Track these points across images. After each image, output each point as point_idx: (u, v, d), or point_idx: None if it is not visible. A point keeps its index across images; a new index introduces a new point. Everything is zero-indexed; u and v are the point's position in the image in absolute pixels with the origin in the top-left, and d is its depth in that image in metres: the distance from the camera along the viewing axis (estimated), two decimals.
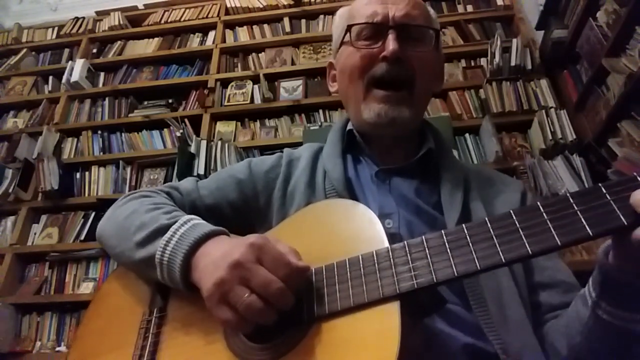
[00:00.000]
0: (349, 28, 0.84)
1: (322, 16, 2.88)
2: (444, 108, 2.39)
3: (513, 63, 2.32)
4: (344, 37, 0.86)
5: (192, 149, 2.33)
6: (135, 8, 3.22)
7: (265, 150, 2.39)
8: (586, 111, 2.02)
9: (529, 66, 2.33)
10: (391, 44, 0.77)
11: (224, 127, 2.60)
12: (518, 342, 0.63)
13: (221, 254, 0.57)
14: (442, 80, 0.96)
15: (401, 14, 0.80)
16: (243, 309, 0.52)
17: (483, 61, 2.52)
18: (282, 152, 0.93)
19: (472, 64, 2.57)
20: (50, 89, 2.98)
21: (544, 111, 2.11)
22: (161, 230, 0.66)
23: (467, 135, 2.29)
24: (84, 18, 3.23)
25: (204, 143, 2.35)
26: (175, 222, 0.66)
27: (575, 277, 0.76)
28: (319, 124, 2.49)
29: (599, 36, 1.81)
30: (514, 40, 2.36)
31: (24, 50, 3.17)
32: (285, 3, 2.92)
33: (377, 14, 0.81)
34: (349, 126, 0.90)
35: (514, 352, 0.62)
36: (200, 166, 2.28)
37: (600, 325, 0.56)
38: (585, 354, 0.61)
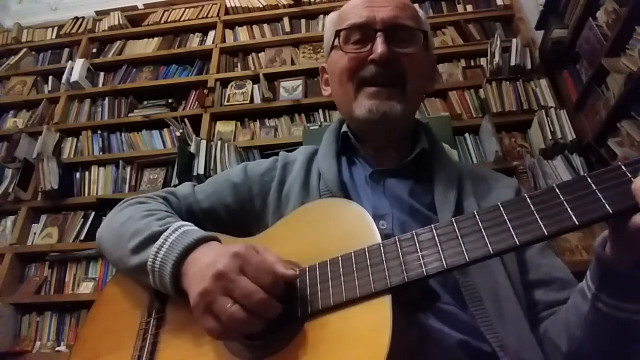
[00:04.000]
0: (337, 33, 0.85)
1: (322, 16, 2.88)
2: (444, 108, 2.39)
3: (513, 63, 2.32)
4: (333, 42, 0.86)
5: (192, 149, 2.33)
6: (135, 8, 3.23)
7: (265, 150, 2.40)
8: (586, 111, 2.02)
9: (529, 66, 2.33)
10: (380, 47, 0.78)
11: (224, 127, 2.60)
12: (515, 339, 0.64)
13: (208, 263, 0.57)
14: (434, 81, 0.96)
15: (389, 17, 0.81)
16: (226, 320, 0.53)
17: (483, 61, 2.52)
18: (278, 155, 0.93)
19: (472, 64, 2.58)
20: (50, 89, 2.98)
21: (544, 111, 2.11)
22: (153, 238, 0.67)
23: (467, 135, 2.29)
24: (84, 18, 3.24)
25: (204, 143, 2.35)
26: (167, 229, 0.67)
27: (576, 277, 0.76)
28: (319, 124, 2.50)
29: (599, 36, 1.81)
30: (514, 40, 2.36)
31: (24, 50, 3.17)
32: (285, 3, 2.93)
33: (364, 17, 0.82)
34: (344, 128, 0.90)
35: (512, 349, 0.62)
36: (200, 166, 2.28)
37: (601, 319, 0.56)
38: (587, 347, 0.61)
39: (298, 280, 0.58)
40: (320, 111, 2.55)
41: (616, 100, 1.71)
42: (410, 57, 0.81)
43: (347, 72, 0.83)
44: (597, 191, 0.46)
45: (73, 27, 3.21)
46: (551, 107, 2.14)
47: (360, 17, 0.82)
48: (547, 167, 2.00)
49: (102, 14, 3.22)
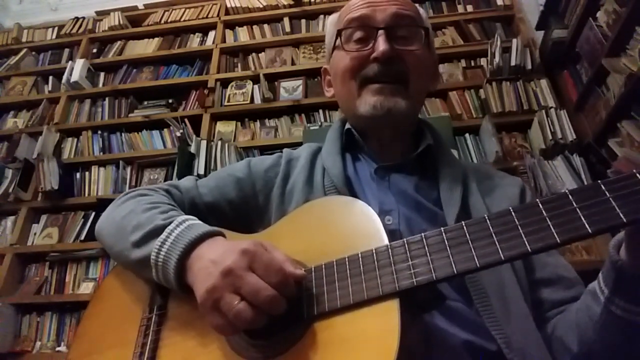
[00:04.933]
0: (339, 33, 0.85)
1: (322, 16, 2.88)
2: (444, 108, 2.39)
3: (513, 63, 2.32)
4: (335, 42, 0.86)
5: (192, 149, 2.33)
6: (135, 8, 3.22)
7: (265, 150, 2.39)
8: (586, 111, 2.02)
9: (529, 66, 2.33)
10: (381, 45, 0.78)
11: (224, 127, 2.60)
12: (521, 337, 0.63)
13: (214, 259, 0.57)
14: (436, 79, 0.96)
15: (390, 15, 0.81)
16: (232, 317, 0.52)
17: (483, 61, 2.52)
18: (281, 152, 0.93)
19: (472, 64, 2.57)
20: (50, 89, 2.98)
21: (544, 111, 2.11)
22: (156, 231, 0.66)
23: (467, 135, 2.29)
24: (84, 18, 3.23)
25: (204, 143, 2.35)
26: (171, 222, 0.66)
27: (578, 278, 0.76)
28: (319, 124, 2.49)
29: (599, 36, 1.81)
30: (514, 40, 2.36)
31: (24, 50, 3.17)
32: (285, 3, 2.92)
33: (365, 16, 0.82)
34: (347, 125, 0.90)
35: (517, 346, 0.62)
36: (200, 166, 2.28)
37: (614, 321, 0.56)
38: (598, 348, 0.61)
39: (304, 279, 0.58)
40: (320, 111, 2.55)
41: (616, 100, 1.71)
42: (412, 54, 0.81)
43: (350, 70, 0.82)
44: (611, 199, 0.45)
45: (73, 27, 3.20)
46: (551, 107, 2.14)
47: (362, 15, 0.82)
48: (547, 167, 2.00)
49: (102, 14, 3.22)
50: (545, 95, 2.25)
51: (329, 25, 0.93)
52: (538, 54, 2.36)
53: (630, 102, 1.67)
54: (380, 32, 0.79)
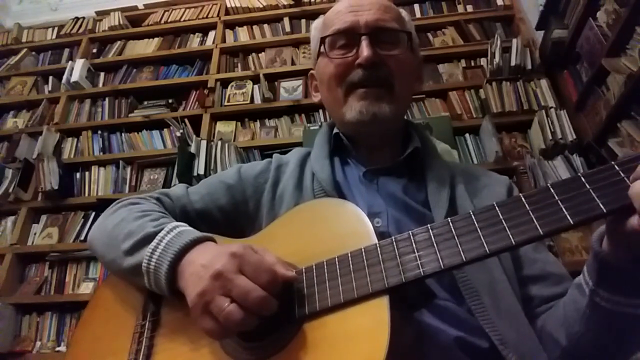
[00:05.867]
0: (322, 40, 0.85)
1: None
2: (444, 108, 2.39)
3: (513, 63, 2.32)
4: (319, 49, 0.87)
5: (192, 149, 2.33)
6: (135, 8, 3.23)
7: (265, 150, 2.40)
8: (586, 111, 2.02)
9: (529, 66, 2.33)
10: (365, 50, 0.79)
11: (224, 127, 2.60)
12: (515, 333, 0.64)
13: (204, 263, 0.57)
14: (421, 81, 0.97)
15: (372, 20, 0.82)
16: (223, 319, 0.53)
17: (483, 61, 2.52)
18: (271, 157, 0.94)
19: (472, 64, 2.57)
20: (50, 89, 2.98)
21: (544, 111, 2.11)
22: (148, 239, 0.67)
23: (467, 135, 2.29)
24: (84, 18, 3.24)
25: (204, 143, 2.35)
26: (162, 229, 0.67)
27: (575, 277, 0.77)
28: (319, 124, 2.49)
29: (599, 36, 1.81)
30: (514, 40, 2.36)
31: (24, 50, 3.17)
32: (285, 3, 2.93)
33: (348, 22, 0.83)
34: (336, 130, 0.91)
35: (512, 343, 0.62)
36: (200, 166, 2.28)
37: (599, 313, 0.57)
38: (586, 341, 0.61)
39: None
40: (320, 111, 2.55)
41: (616, 100, 1.71)
42: (396, 58, 0.82)
43: (335, 77, 0.83)
44: (590, 190, 0.46)
45: (73, 27, 3.21)
46: (551, 107, 2.14)
47: (344, 22, 0.83)
48: (547, 167, 2.00)
49: (102, 14, 3.22)
50: (545, 95, 2.25)
51: (313, 30, 0.94)
52: (538, 54, 2.36)
53: (630, 102, 1.67)
54: (364, 37, 0.80)
